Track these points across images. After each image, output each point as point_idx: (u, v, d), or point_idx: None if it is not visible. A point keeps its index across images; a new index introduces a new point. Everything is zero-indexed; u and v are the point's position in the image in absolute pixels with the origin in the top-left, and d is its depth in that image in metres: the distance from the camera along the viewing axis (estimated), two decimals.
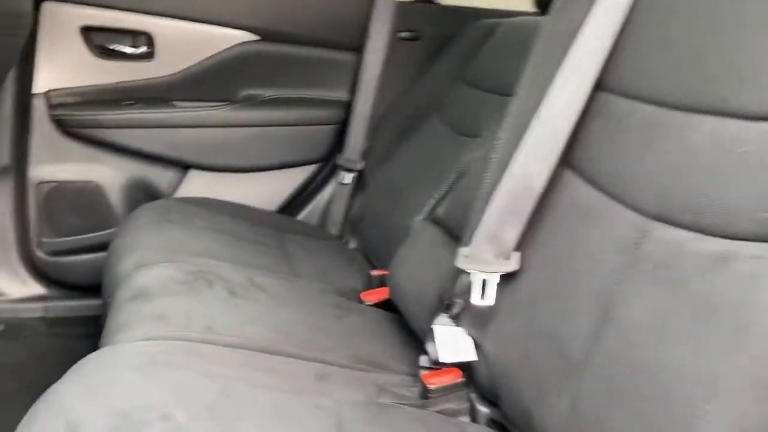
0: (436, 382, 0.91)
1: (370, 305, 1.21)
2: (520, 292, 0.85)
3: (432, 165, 1.40)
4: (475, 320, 0.89)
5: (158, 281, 1.04)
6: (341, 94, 1.78)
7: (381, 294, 1.22)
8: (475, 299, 0.87)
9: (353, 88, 1.75)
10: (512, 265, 0.85)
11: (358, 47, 1.73)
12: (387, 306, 1.20)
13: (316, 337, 0.99)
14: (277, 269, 1.26)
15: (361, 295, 1.24)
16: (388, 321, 1.15)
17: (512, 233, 0.86)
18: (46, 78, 1.62)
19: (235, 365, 0.83)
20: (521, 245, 0.86)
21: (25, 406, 0.71)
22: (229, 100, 1.74)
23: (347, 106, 1.75)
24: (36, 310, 1.69)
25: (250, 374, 0.82)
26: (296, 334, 0.98)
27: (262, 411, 0.72)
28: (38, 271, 1.70)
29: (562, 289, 0.78)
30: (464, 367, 0.92)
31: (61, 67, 1.63)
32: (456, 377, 0.92)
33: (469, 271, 0.89)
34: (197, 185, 1.75)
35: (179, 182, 1.76)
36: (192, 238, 1.28)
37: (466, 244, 0.91)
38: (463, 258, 0.90)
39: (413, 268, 1.11)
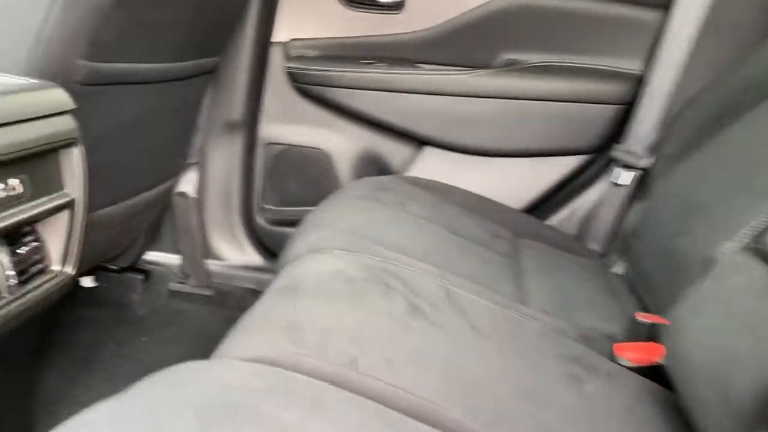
0: None
1: (629, 367, 0.78)
2: None
3: (763, 167, 0.90)
4: None
5: (319, 274, 0.74)
6: (632, 65, 1.33)
7: (649, 353, 0.78)
8: None
9: (651, 57, 1.28)
10: None
11: (664, 2, 1.25)
12: (656, 374, 0.75)
13: (523, 409, 0.60)
14: (497, 287, 0.88)
15: (615, 347, 0.81)
16: (656, 403, 0.71)
17: None
18: (288, 26, 1.46)
19: None
20: None
21: None
22: (485, 65, 1.41)
23: (638, 81, 1.29)
24: (248, 280, 1.55)
25: None
26: (489, 397, 0.60)
27: None
28: (257, 239, 1.57)
29: None
30: None
31: (304, 14, 1.46)
32: None
33: None
34: (432, 166, 1.45)
35: (412, 159, 1.47)
36: (392, 224, 0.97)
37: None
38: None
39: (714, 326, 0.65)
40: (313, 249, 0.86)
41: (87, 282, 1.47)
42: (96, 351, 1.29)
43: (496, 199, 1.31)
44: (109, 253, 1.36)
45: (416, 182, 1.25)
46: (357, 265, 0.78)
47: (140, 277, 1.50)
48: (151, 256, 1.52)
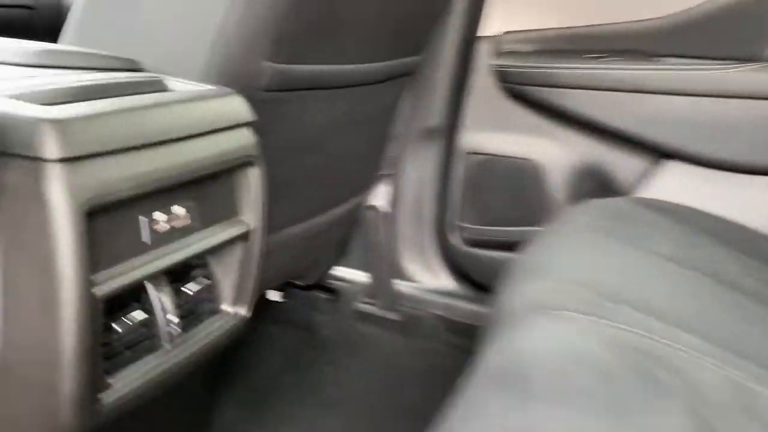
0: None
1: None
2: None
3: None
4: None
5: (553, 357, 0.53)
6: None
7: None
8: None
9: None
10: None
11: None
12: None
13: None
14: None
15: None
16: None
17: None
18: (500, 18, 1.26)
19: None
20: None
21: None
22: (750, 57, 1.09)
23: None
24: (439, 306, 1.37)
25: None
26: None
27: None
28: (450, 261, 1.38)
29: None
30: None
31: (519, 2, 1.24)
32: None
33: None
34: (674, 184, 1.16)
35: (648, 176, 1.20)
36: (639, 271, 0.72)
37: None
38: None
39: None
40: (535, 306, 0.64)
41: (274, 296, 1.39)
42: (276, 379, 1.19)
43: (764, 231, 1.00)
44: (292, 273, 1.26)
45: (657, 207, 0.99)
46: (605, 340, 0.55)
47: (327, 296, 1.39)
48: (340, 271, 1.41)
